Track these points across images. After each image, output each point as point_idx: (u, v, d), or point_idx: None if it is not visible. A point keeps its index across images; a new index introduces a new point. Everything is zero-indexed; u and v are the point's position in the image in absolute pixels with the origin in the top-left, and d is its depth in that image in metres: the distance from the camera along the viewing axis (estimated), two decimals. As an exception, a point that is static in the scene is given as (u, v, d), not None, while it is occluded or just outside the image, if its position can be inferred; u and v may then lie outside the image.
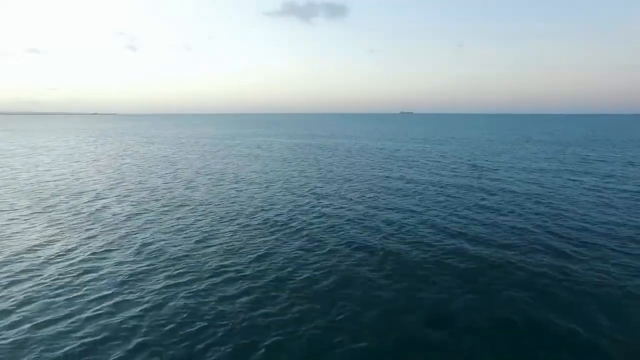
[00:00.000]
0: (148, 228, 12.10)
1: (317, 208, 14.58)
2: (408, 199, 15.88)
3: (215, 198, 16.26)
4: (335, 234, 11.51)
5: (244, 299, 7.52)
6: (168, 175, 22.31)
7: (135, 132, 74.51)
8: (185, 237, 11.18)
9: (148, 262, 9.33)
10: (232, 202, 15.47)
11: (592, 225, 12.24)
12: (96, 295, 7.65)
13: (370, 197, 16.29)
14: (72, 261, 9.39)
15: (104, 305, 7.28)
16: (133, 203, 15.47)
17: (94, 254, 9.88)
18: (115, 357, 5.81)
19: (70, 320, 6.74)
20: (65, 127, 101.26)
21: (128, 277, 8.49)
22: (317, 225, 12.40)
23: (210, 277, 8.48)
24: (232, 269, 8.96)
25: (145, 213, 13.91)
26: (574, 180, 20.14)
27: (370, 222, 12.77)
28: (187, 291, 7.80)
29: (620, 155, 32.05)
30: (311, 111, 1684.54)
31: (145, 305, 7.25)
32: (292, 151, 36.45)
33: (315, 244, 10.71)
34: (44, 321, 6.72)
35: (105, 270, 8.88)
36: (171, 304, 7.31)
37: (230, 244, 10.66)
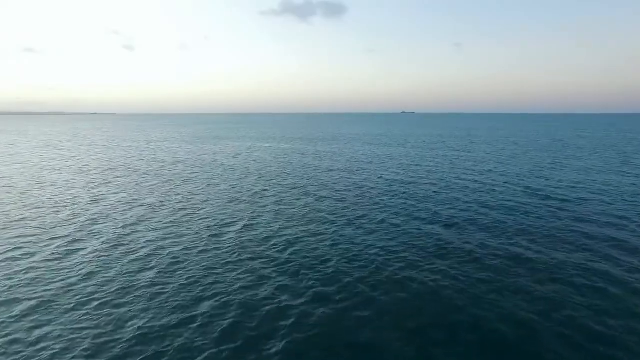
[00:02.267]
0: None
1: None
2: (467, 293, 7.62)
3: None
4: None
5: None
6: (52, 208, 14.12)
7: (111, 134, 66.38)
8: None
9: None
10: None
11: None
12: None
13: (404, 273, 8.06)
14: None
15: None
16: None
17: None
18: None
19: None
20: (42, 129, 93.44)
21: None
22: None
23: None
24: None
25: None
26: None
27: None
28: None
29: None
30: (311, 111, 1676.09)
31: None
32: (279, 162, 28.22)
33: None
34: None
35: None
36: None
37: None
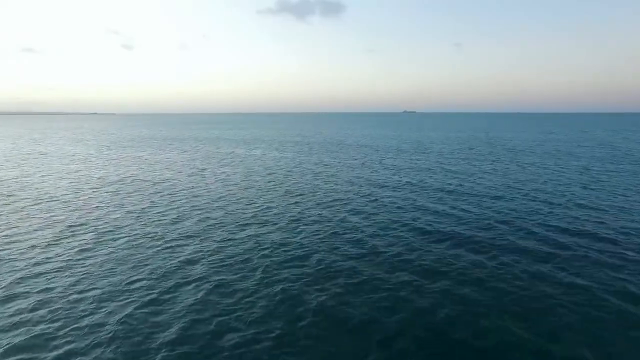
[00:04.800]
0: None
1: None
2: None
3: None
4: None
5: None
6: None
7: (72, 137, 58.47)
8: None
9: None
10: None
11: None
12: None
13: None
14: None
15: None
16: None
17: None
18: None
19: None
20: (19, 131, 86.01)
21: None
22: None
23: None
24: None
25: None
26: None
27: None
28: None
29: None
30: (312, 110, 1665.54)
31: None
32: (258, 187, 20.17)
33: None
34: None
35: None
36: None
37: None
